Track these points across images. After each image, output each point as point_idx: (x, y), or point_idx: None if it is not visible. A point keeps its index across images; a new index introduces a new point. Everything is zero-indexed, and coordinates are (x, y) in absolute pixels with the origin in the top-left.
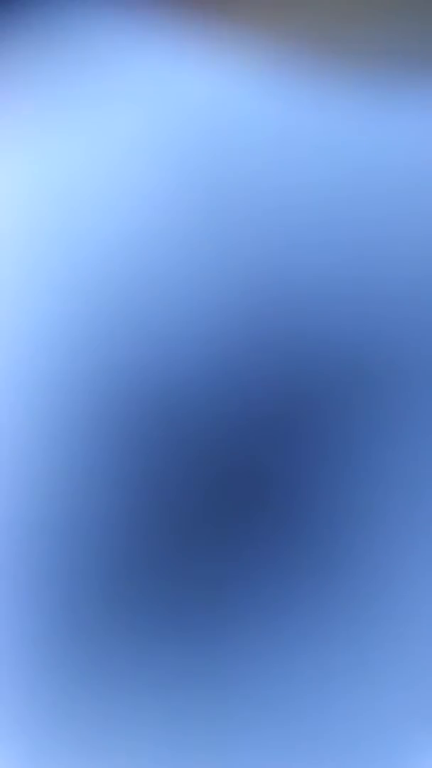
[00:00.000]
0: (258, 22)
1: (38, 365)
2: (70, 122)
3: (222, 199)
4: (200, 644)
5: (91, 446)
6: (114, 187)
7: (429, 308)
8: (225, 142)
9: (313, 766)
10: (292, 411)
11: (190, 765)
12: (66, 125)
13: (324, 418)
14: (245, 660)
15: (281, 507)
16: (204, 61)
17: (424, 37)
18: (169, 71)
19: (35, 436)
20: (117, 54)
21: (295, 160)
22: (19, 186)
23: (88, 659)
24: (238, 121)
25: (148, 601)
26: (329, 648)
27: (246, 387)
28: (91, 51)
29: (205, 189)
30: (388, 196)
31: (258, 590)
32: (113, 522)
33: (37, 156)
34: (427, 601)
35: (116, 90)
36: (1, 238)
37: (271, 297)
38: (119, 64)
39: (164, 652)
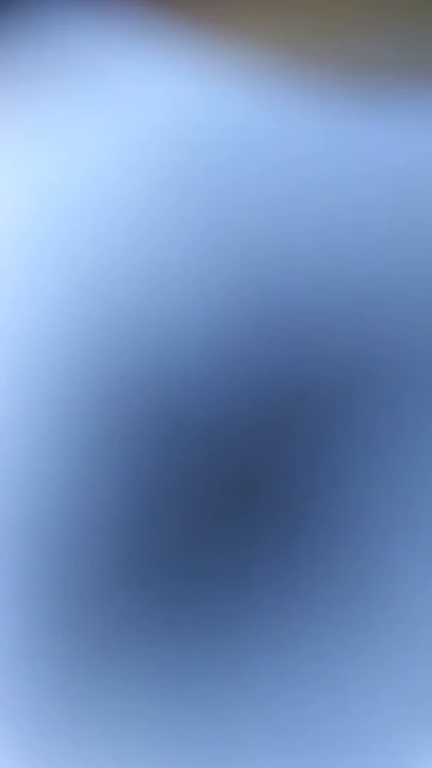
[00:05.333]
0: (256, 28)
1: (37, 368)
2: (67, 128)
3: (221, 202)
4: (199, 645)
5: (90, 447)
6: (111, 191)
7: (428, 310)
8: (224, 146)
9: (313, 767)
10: (291, 413)
11: (189, 761)
12: (63, 131)
13: (323, 420)
14: (244, 660)
15: (280, 508)
16: (202, 67)
17: (423, 43)
18: (166, 77)
19: (34, 438)
20: (113, 59)
21: (292, 164)
22: (17, 194)
23: (88, 660)
24: (236, 125)
25: (147, 603)
26: (328, 648)
27: (245, 389)
28: (88, 57)
29: (203, 193)
30: (386, 200)
31: (257, 591)
32: (112, 524)
33: (36, 163)
34: (426, 601)
35: (112, 95)
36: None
37: (269, 300)
38: (115, 68)
39: (163, 653)
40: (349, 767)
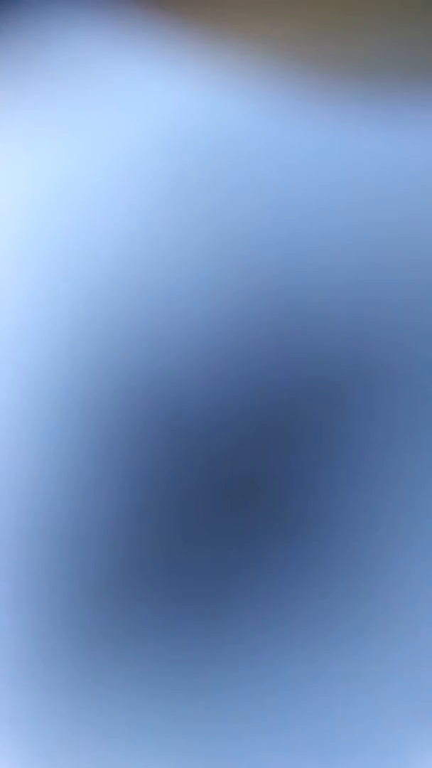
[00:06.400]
0: (257, 31)
1: (38, 369)
2: (67, 131)
3: (221, 205)
4: (199, 646)
5: (91, 450)
6: (111, 191)
7: (427, 312)
8: (225, 149)
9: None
10: (291, 415)
11: (189, 761)
12: (63, 134)
13: (323, 420)
14: (244, 662)
15: (280, 508)
16: (203, 70)
17: (423, 45)
18: (168, 79)
19: (36, 441)
20: (114, 61)
21: (293, 167)
22: (17, 196)
23: (88, 662)
24: (237, 128)
25: (148, 601)
26: (328, 648)
27: (245, 390)
28: (89, 59)
29: (204, 195)
30: (387, 202)
31: (257, 593)
32: (112, 526)
33: (36, 166)
34: (425, 601)
35: (113, 98)
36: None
37: (270, 303)
38: (116, 71)
39: (163, 654)
40: (349, 767)
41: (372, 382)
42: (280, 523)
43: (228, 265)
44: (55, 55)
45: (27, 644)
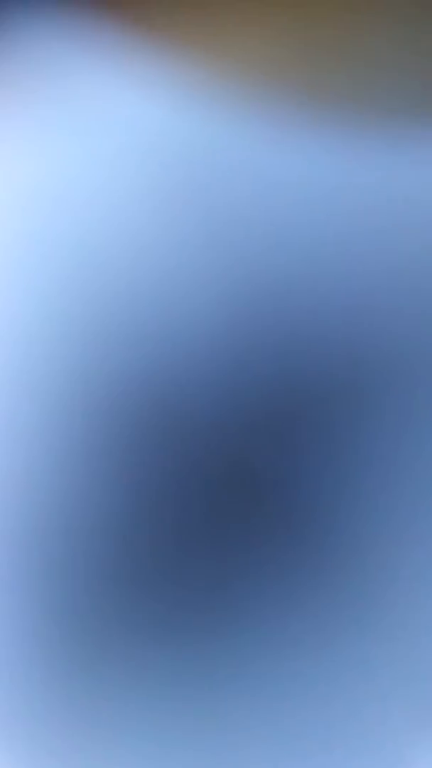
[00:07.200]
0: (247, 49)
1: (37, 371)
2: (38, 144)
3: (217, 208)
4: (199, 646)
5: (90, 448)
6: (108, 194)
7: (427, 313)
8: (209, 164)
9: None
10: (293, 417)
11: (188, 766)
12: (34, 147)
13: (324, 420)
14: (244, 662)
15: (282, 508)
16: (187, 86)
17: (418, 65)
18: (149, 95)
19: (33, 441)
20: (87, 75)
21: (287, 175)
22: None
23: (86, 665)
24: (222, 144)
25: (146, 604)
26: (329, 651)
27: (245, 390)
28: (60, 72)
29: (198, 200)
30: (378, 210)
31: (258, 593)
32: (112, 528)
33: (7, 178)
34: (429, 602)
35: (91, 114)
36: None
37: (269, 303)
38: (89, 85)
39: (163, 654)
40: None
41: (376, 384)
42: (282, 525)
43: (228, 264)
44: (25, 68)
45: (25, 647)
